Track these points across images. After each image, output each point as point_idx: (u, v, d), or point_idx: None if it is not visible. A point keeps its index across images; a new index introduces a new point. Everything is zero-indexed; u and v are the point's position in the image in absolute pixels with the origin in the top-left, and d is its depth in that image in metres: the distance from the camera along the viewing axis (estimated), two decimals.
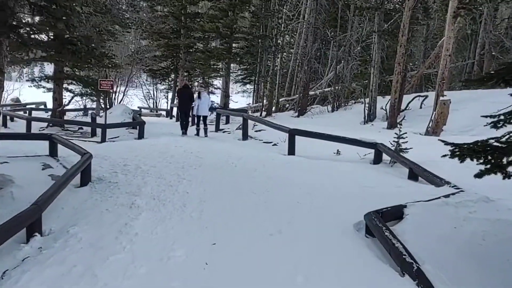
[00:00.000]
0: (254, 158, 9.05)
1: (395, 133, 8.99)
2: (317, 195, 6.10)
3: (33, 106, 20.72)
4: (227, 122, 18.27)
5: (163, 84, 29.62)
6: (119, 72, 19.93)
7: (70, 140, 12.74)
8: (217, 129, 15.97)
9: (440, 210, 4.77)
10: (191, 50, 24.86)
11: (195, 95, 13.57)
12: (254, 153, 10.03)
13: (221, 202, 5.78)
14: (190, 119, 14.15)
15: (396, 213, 4.83)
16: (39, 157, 9.41)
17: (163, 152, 9.68)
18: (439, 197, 5.12)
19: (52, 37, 15.24)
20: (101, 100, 18.89)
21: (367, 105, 15.20)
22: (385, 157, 9.05)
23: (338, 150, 10.14)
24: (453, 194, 5.37)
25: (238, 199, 5.92)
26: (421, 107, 15.59)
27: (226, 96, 21.68)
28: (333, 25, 21.72)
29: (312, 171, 7.77)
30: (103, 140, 12.55)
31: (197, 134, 13.55)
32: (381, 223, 4.36)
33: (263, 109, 21.16)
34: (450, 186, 6.09)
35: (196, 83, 29.68)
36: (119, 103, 20.02)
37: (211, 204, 5.69)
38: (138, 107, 30.01)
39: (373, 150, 9.27)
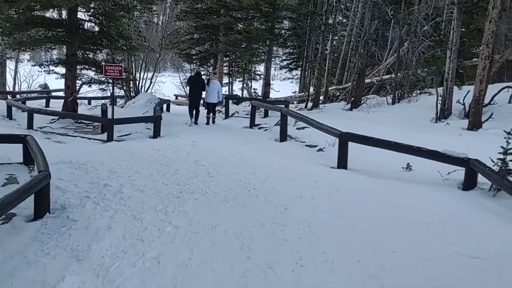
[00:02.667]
0: (288, 177, 6.33)
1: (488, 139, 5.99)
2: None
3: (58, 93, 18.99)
4: (266, 115, 15.56)
5: (201, 70, 27.24)
6: (146, 55, 17.60)
7: (80, 136, 10.59)
8: (252, 124, 13.31)
9: None
10: (232, 32, 22.22)
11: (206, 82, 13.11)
12: (290, 165, 7.32)
13: None
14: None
15: None
16: (9, 165, 7.27)
17: (168, 163, 7.18)
18: None
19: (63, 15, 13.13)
20: (125, 88, 16.76)
21: (439, 98, 11.98)
22: (480, 178, 6.12)
23: (408, 164, 7.26)
24: None
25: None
26: (510, 102, 12.17)
27: (266, 84, 18.89)
28: (393, 1, 18.35)
29: (371, 208, 4.95)
30: (110, 138, 10.26)
31: (207, 123, 13.05)
32: None
33: (309, 99, 18.24)
34: None
35: (236, 69, 27.19)
36: (146, 91, 17.72)
37: None
38: (175, 95, 27.91)
39: (462, 168, 6.34)
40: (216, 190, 5.55)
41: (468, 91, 12.32)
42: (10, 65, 21.65)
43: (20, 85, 22.89)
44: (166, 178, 6.24)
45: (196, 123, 12.78)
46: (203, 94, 12.95)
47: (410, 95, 15.32)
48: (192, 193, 5.43)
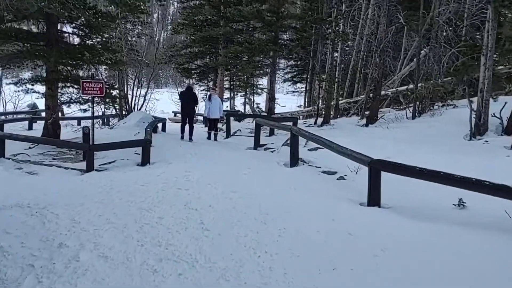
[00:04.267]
0: (310, 227, 4.66)
1: None
2: None
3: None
4: (272, 133, 13.96)
5: (200, 85, 25.76)
6: (139, 70, 16.01)
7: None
8: (257, 145, 11.70)
9: None
10: (232, 44, 20.75)
11: (206, 98, 13.24)
12: (309, 205, 5.68)
13: None
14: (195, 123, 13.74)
15: None
16: None
17: (150, 206, 5.53)
18: None
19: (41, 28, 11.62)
20: (116, 106, 15.18)
21: (473, 111, 10.33)
22: None
23: (461, 200, 5.60)
24: None
25: None
26: None
27: (271, 99, 17.26)
28: (407, 7, 16.86)
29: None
30: (89, 168, 8.63)
31: (208, 137, 12.99)
32: None
33: (318, 114, 16.62)
34: None
35: (237, 83, 25.72)
36: (139, 109, 16.14)
37: None
38: (173, 112, 26.36)
39: None
40: (211, 255, 3.88)
41: (506, 102, 10.70)
42: None
43: (5, 105, 21.40)
44: (143, 232, 4.58)
45: (190, 139, 12.30)
46: (196, 108, 13.18)
47: (431, 108, 13.69)
48: (176, 263, 3.77)
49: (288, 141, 11.34)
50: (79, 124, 17.65)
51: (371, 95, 15.99)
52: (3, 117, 16.88)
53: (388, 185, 5.71)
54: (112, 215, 5.22)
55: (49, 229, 4.95)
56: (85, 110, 11.01)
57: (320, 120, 16.02)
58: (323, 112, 15.99)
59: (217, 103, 12.87)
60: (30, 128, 14.96)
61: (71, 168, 9.17)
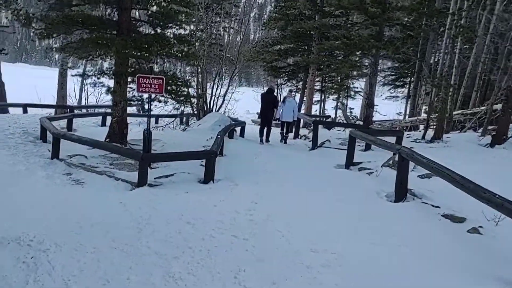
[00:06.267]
0: None
1: None
2: None
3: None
4: (368, 147, 11.45)
5: (288, 85, 23.74)
6: (220, 67, 14.35)
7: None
8: (350, 163, 9.36)
9: None
10: (327, 41, 18.48)
11: (281, 100, 13.31)
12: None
13: None
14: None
15: None
16: None
17: (182, 270, 3.62)
18: None
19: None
20: (188, 105, 13.68)
21: None
22: None
23: None
24: None
25: None
26: None
27: (369, 105, 14.66)
28: None
29: None
30: (142, 182, 7.00)
31: (281, 140, 12.80)
32: None
33: (428, 126, 13.75)
34: None
35: (330, 85, 23.37)
36: (217, 110, 14.54)
37: None
38: (257, 113, 24.72)
39: None
40: None
41: None
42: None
43: (87, 98, 21.20)
44: None
45: (267, 140, 12.37)
46: (275, 111, 12.42)
47: None
48: None
49: (391, 161, 8.93)
50: (156, 122, 16.55)
51: (495, 106, 12.83)
52: (77, 111, 16.35)
53: None
54: (123, 282, 3.37)
55: None
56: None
57: (429, 133, 13.18)
58: (433, 124, 13.13)
59: (291, 107, 12.58)
60: (104, 124, 14.02)
61: (122, 180, 7.63)
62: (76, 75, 11.71)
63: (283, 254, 4.01)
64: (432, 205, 6.22)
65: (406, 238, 4.82)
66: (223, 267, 3.65)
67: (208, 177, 7.47)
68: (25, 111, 16.25)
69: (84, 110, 18.68)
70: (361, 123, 17.71)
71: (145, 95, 8.71)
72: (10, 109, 17.08)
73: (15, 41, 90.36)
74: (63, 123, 13.19)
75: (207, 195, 6.32)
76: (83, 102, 21.12)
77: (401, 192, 6.69)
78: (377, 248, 4.43)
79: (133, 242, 4.26)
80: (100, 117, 14.60)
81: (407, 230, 5.17)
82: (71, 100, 20.17)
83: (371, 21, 14.22)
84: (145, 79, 7.48)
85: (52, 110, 17.76)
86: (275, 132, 13.12)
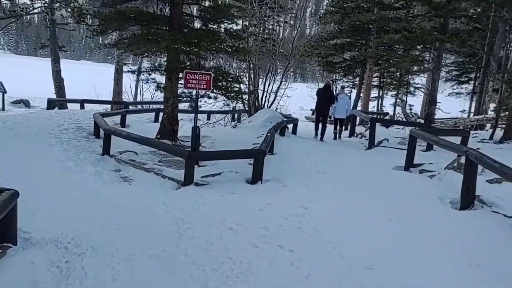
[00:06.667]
0: None
1: None
2: None
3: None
4: (429, 147, 10.64)
5: (344, 81, 22.92)
6: (273, 62, 13.93)
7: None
8: (409, 165, 8.68)
9: None
10: (386, 34, 17.57)
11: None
12: None
13: None
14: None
15: None
16: None
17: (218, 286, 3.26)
18: None
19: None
20: (245, 102, 13.42)
21: None
22: None
23: None
24: None
25: None
26: None
27: (431, 102, 13.65)
28: None
29: None
30: (188, 180, 6.79)
31: (334, 137, 12.77)
32: None
33: (496, 125, 12.62)
34: None
35: (389, 80, 22.34)
36: (269, 106, 14.18)
37: None
38: (311, 110, 24.14)
39: None
40: None
41: None
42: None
43: (143, 95, 21.53)
44: None
45: (321, 139, 12.22)
46: (331, 108, 12.40)
47: None
48: None
49: (455, 163, 8.15)
50: (208, 118, 16.45)
51: None
52: (132, 107, 16.59)
53: None
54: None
55: None
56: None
57: (497, 133, 12.10)
58: (503, 123, 12.02)
59: (344, 103, 12.62)
60: (156, 120, 14.07)
61: (169, 178, 7.46)
62: (129, 71, 11.78)
63: (334, 270, 3.57)
64: (504, 215, 5.52)
65: (476, 255, 4.22)
66: (265, 285, 3.27)
67: (256, 177, 7.13)
68: (82, 107, 16.71)
69: (139, 106, 18.99)
70: (422, 121, 16.68)
71: (194, 91, 8.51)
72: (68, 104, 17.61)
73: (80, 39, 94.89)
74: (117, 119, 13.39)
75: (253, 197, 5.97)
76: (139, 98, 21.50)
77: (468, 199, 6.02)
78: (441, 266, 3.88)
79: (171, 248, 3.99)
80: (153, 113, 14.68)
81: (477, 245, 4.56)
82: (127, 96, 20.55)
83: (435, 13, 13.25)
84: (192, 75, 7.25)
85: (108, 106, 18.22)
86: (329, 130, 12.65)
